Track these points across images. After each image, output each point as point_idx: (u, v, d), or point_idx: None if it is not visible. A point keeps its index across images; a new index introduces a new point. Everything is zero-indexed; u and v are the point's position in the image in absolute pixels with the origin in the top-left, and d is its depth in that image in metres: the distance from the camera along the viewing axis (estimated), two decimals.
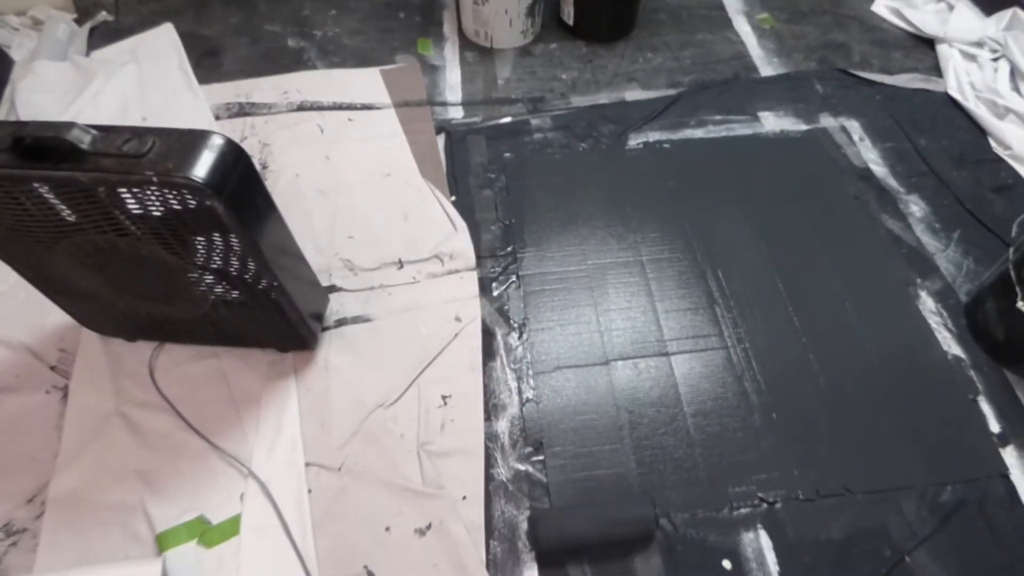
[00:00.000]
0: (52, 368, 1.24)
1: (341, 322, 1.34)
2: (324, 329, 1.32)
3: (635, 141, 1.74)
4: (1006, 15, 1.98)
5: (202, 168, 0.86)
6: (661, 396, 1.27)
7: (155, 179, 0.84)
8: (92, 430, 1.17)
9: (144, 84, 1.80)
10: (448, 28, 2.03)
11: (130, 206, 0.90)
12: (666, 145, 1.72)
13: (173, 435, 1.17)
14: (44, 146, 0.85)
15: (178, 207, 0.89)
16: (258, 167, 1.64)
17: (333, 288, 1.38)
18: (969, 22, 2.01)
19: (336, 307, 1.35)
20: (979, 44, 1.95)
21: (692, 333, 1.36)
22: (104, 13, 2.07)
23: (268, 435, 1.17)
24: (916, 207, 1.62)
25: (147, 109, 1.74)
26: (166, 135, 0.89)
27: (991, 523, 1.13)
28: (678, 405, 1.26)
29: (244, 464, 1.13)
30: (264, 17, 2.06)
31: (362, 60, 1.92)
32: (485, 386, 1.27)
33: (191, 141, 0.88)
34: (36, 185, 0.88)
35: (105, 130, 0.89)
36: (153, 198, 0.88)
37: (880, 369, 1.31)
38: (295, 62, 1.91)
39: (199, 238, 0.95)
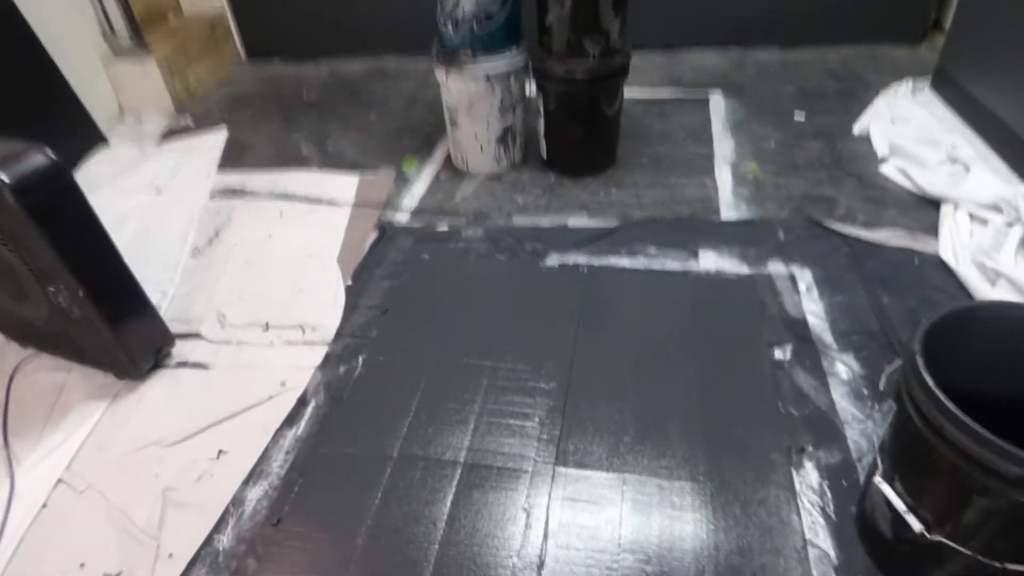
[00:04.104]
0: None
1: (182, 364, 1.42)
2: (162, 367, 1.40)
3: (554, 261, 1.71)
4: None
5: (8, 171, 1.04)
6: (428, 511, 1.14)
7: None
8: None
9: (175, 172, 2.20)
10: (439, 153, 2.24)
11: None
12: (583, 269, 1.67)
13: None
14: None
15: None
16: (212, 234, 1.89)
17: (197, 335, 1.49)
18: (988, 184, 1.76)
19: (187, 351, 1.45)
20: (995, 207, 1.69)
21: (503, 450, 1.23)
22: (189, 119, 2.60)
23: (49, 446, 1.24)
24: (844, 368, 1.36)
25: (166, 187, 2.11)
26: None
27: None
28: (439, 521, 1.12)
29: (13, 463, 1.21)
30: (296, 128, 2.46)
31: (353, 168, 2.17)
32: (267, 450, 1.24)
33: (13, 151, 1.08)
34: None
35: None
36: None
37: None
38: (297, 162, 2.22)
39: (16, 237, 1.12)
